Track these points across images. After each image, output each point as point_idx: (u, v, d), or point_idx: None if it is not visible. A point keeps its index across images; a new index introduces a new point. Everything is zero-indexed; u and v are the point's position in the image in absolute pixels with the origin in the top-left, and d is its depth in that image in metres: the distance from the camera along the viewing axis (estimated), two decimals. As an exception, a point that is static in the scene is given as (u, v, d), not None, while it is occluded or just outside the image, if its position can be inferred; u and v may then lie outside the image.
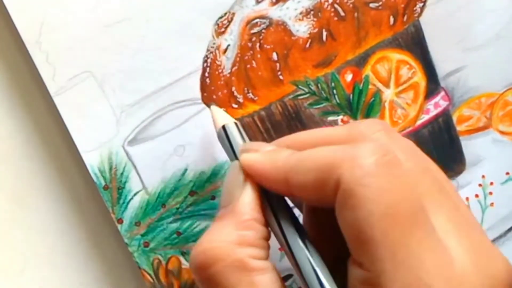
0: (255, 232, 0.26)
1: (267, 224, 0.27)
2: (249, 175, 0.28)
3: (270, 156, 0.27)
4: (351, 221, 0.23)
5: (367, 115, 0.35)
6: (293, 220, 0.27)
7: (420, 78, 0.35)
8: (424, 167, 0.26)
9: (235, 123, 0.32)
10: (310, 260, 0.25)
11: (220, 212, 0.28)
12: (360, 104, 0.35)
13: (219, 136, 0.32)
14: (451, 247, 0.23)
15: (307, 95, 0.35)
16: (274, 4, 0.34)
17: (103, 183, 0.34)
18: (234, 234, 0.26)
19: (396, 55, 0.35)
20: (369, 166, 0.24)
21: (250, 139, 0.35)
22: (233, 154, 0.30)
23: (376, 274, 0.23)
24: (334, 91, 0.35)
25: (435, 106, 0.35)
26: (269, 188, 0.27)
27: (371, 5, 0.34)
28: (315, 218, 0.29)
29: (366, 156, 0.24)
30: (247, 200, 0.27)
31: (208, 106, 0.34)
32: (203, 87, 0.35)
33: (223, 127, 0.31)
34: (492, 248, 0.25)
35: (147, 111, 0.35)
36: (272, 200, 0.28)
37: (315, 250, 0.26)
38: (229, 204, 0.27)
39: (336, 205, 0.24)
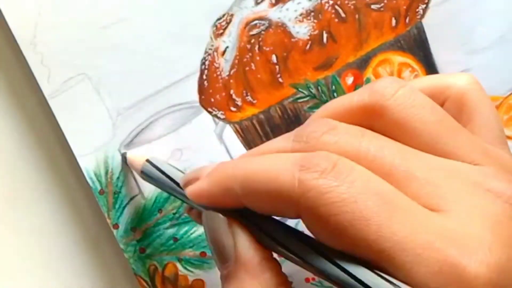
0: (272, 271, 0.24)
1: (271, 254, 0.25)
2: (231, 218, 0.25)
3: (214, 178, 0.25)
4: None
5: (368, 119, 0.35)
6: (298, 236, 0.24)
7: (422, 81, 0.35)
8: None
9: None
10: (348, 271, 0.22)
11: (225, 270, 0.25)
12: (361, 108, 0.34)
13: (146, 174, 0.31)
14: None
15: (307, 98, 0.34)
16: (273, 5, 0.34)
17: (98, 187, 0.34)
18: (256, 285, 0.24)
19: (398, 58, 0.34)
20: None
21: (249, 143, 0.35)
22: (173, 183, 0.28)
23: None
24: (335, 94, 0.34)
25: (438, 109, 0.35)
26: (226, 207, 0.25)
27: (373, 6, 0.34)
28: None
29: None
30: (245, 244, 0.24)
31: (123, 155, 0.34)
32: (201, 89, 0.34)
33: (148, 161, 0.31)
34: None
35: (144, 114, 0.34)
36: (268, 229, 0.25)
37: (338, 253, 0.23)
38: (229, 258, 0.25)
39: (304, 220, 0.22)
